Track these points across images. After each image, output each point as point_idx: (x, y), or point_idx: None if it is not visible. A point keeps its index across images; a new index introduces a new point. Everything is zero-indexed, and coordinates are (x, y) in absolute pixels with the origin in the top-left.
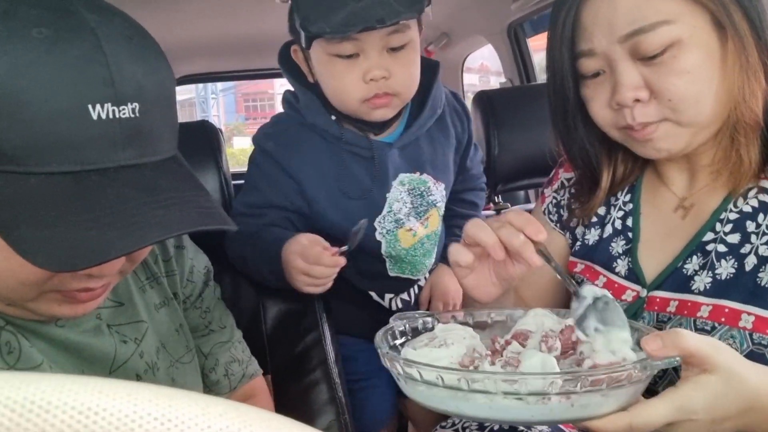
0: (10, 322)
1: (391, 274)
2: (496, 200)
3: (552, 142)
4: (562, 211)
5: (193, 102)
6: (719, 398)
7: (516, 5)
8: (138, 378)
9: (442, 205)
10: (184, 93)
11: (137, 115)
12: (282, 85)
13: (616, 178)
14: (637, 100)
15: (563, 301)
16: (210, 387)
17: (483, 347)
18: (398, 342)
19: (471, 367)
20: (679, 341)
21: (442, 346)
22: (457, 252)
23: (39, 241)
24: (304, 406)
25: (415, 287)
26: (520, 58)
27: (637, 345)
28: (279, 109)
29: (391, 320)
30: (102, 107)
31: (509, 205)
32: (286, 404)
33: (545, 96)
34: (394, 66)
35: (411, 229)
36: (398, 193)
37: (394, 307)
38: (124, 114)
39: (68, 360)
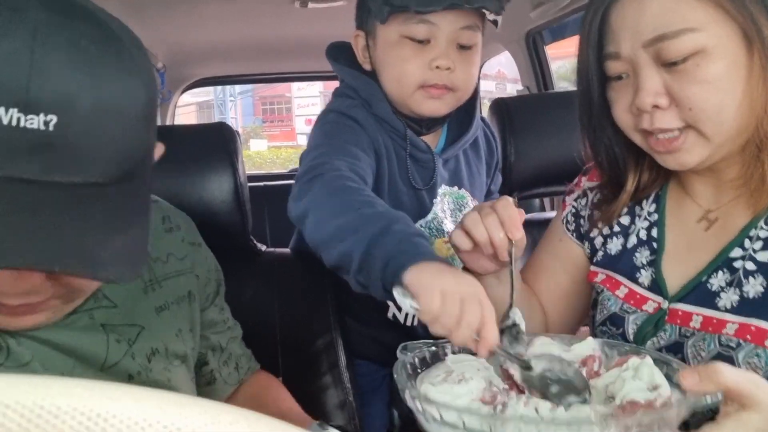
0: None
1: None
2: None
3: (580, 145)
4: (581, 221)
5: (212, 104)
6: None
7: (535, 13)
8: (130, 378)
9: None
10: (202, 95)
11: (50, 128)
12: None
13: (641, 183)
14: (657, 106)
15: (578, 308)
16: (224, 379)
17: (498, 379)
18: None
19: (499, 406)
20: (718, 377)
21: (461, 381)
22: (457, 238)
23: None
24: (314, 409)
25: None
26: (538, 66)
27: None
28: (296, 112)
29: (398, 353)
30: (6, 112)
31: (524, 213)
32: None
33: (563, 104)
34: (459, 62)
35: (448, 241)
36: (442, 203)
37: (409, 323)
38: (31, 124)
39: (58, 358)
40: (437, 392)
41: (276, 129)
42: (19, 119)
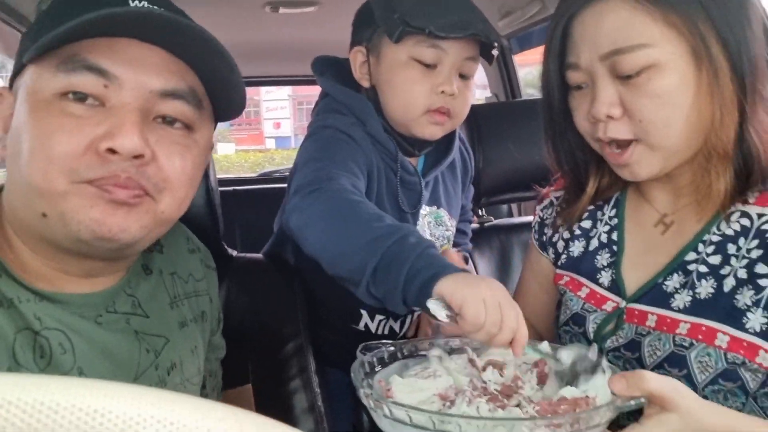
0: (60, 320)
1: None
2: (480, 213)
3: (544, 152)
4: (545, 229)
5: None
6: None
7: (503, 22)
8: None
9: (452, 241)
10: None
11: None
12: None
13: (601, 186)
14: (610, 117)
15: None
16: (206, 396)
17: (463, 380)
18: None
19: (447, 403)
20: (642, 383)
21: (429, 378)
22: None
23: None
24: (283, 414)
25: (408, 319)
26: (506, 74)
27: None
28: (264, 115)
29: (358, 353)
30: None
31: (492, 218)
32: (265, 412)
33: (530, 112)
34: (460, 89)
35: None
36: (423, 223)
37: (380, 332)
38: None
39: (102, 364)
40: (401, 384)
41: (244, 132)
42: None
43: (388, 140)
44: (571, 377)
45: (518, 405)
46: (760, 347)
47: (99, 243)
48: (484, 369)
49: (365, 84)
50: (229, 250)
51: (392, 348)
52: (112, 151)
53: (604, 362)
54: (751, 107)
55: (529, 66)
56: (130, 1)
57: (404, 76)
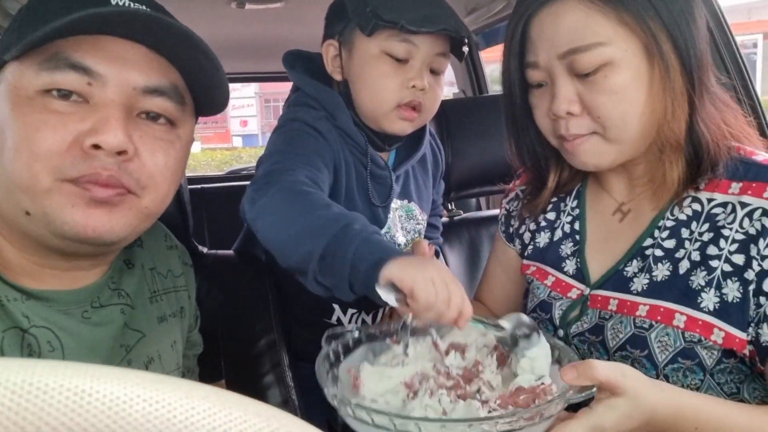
0: (47, 318)
1: None
2: (450, 207)
3: (507, 148)
4: (512, 221)
5: None
6: (625, 417)
7: (469, 19)
8: None
9: (423, 234)
10: None
11: None
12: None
13: (561, 179)
14: (570, 113)
15: (518, 306)
16: None
17: (431, 367)
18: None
19: (411, 393)
20: (592, 372)
21: (397, 366)
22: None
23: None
24: None
25: (380, 311)
26: (473, 70)
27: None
28: (231, 113)
29: (323, 342)
30: None
31: (462, 212)
32: None
33: (497, 107)
34: (431, 84)
35: None
36: (394, 217)
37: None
38: None
39: (90, 361)
40: (371, 372)
41: (210, 131)
42: None
43: (357, 133)
44: (512, 343)
45: (478, 391)
46: (714, 325)
47: (83, 242)
48: (447, 352)
49: (337, 77)
50: (200, 248)
51: (357, 333)
52: (96, 147)
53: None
54: (700, 100)
55: (495, 63)
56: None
57: (376, 69)
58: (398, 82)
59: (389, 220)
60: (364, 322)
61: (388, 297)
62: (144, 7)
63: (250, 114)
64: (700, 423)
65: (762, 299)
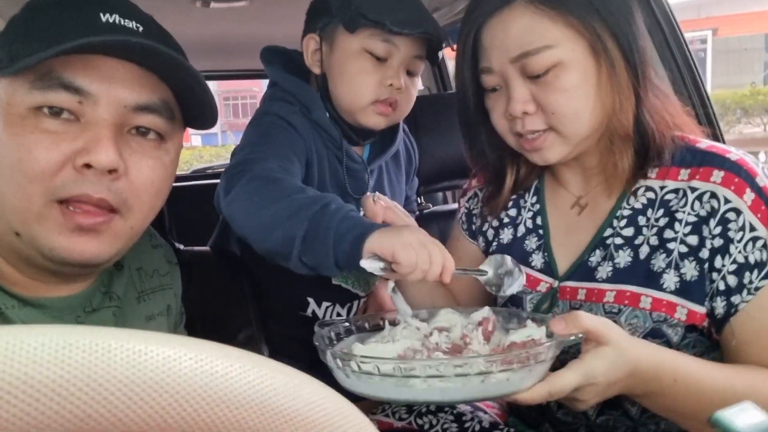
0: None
1: (334, 281)
2: (419, 201)
3: (464, 149)
4: (474, 219)
5: None
6: (613, 365)
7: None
8: None
9: None
10: None
11: None
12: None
13: (519, 177)
14: (526, 113)
15: (485, 298)
16: None
17: (419, 344)
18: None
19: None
20: (579, 321)
21: (388, 343)
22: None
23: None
24: None
25: (355, 305)
26: (437, 68)
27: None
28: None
29: (316, 328)
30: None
31: (431, 205)
32: None
33: (455, 104)
34: (407, 85)
35: None
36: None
37: (327, 317)
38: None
39: None
40: (363, 349)
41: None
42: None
43: (332, 127)
44: (497, 283)
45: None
46: (677, 304)
47: (71, 265)
48: (430, 334)
49: (316, 71)
50: (176, 245)
51: (347, 323)
52: (87, 166)
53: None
54: (644, 93)
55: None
56: (101, 15)
57: (356, 66)
58: (376, 80)
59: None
60: (338, 315)
61: (373, 267)
62: (136, 25)
63: None
64: (679, 375)
65: (714, 275)
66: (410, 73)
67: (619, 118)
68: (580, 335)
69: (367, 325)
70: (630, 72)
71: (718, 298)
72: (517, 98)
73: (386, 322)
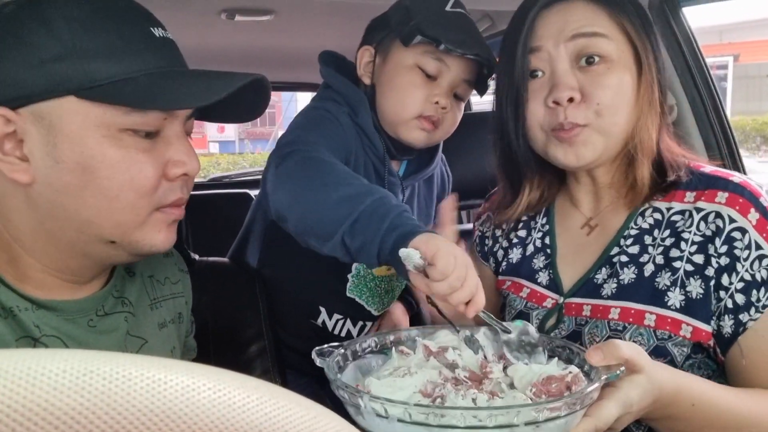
0: (56, 327)
1: (349, 294)
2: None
3: (492, 158)
4: (486, 240)
5: None
6: (646, 393)
7: None
8: None
9: None
10: None
11: None
12: None
13: (532, 198)
14: (572, 99)
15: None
16: None
17: (436, 375)
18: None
19: (438, 399)
20: (617, 351)
21: (405, 375)
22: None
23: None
24: None
25: (367, 326)
26: None
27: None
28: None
29: (314, 356)
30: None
31: None
32: None
33: (479, 125)
34: (452, 106)
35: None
36: None
37: (337, 332)
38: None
39: None
40: (380, 385)
41: None
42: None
43: (376, 136)
44: (518, 348)
45: (498, 390)
46: (682, 321)
47: (154, 254)
48: (441, 352)
49: (366, 81)
50: (192, 254)
51: (342, 350)
52: (185, 174)
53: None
54: (663, 116)
55: None
56: (153, 30)
57: (406, 79)
58: (424, 96)
59: None
60: (348, 332)
61: (414, 256)
62: (171, 36)
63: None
64: (696, 400)
65: (721, 293)
66: (457, 97)
67: (650, 132)
68: (622, 368)
69: (360, 350)
70: (659, 95)
71: (726, 317)
72: (565, 83)
73: (392, 349)
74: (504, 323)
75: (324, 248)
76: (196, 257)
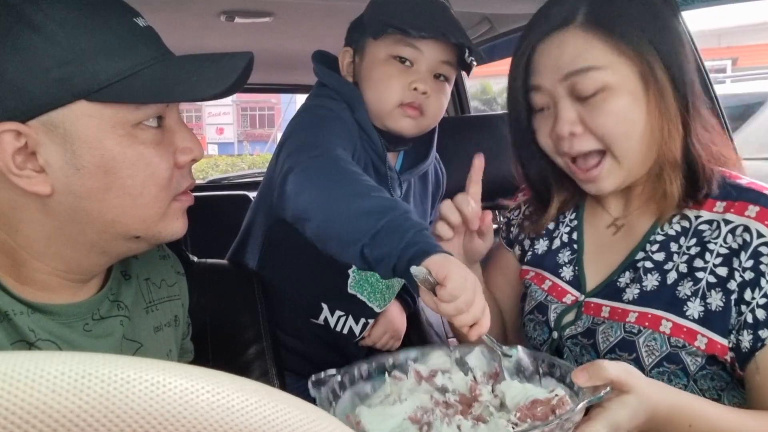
0: (52, 332)
1: (350, 291)
2: None
3: (513, 169)
4: (512, 228)
5: None
6: (635, 413)
7: None
8: None
9: None
10: None
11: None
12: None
13: (562, 201)
14: (573, 134)
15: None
16: None
17: (427, 399)
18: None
19: (425, 426)
20: (603, 372)
21: (395, 403)
22: (441, 228)
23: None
24: None
25: (370, 323)
26: (456, 90)
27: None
28: (207, 120)
29: (310, 387)
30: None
31: None
32: None
33: (485, 127)
34: (434, 90)
35: None
36: None
37: (338, 329)
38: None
39: None
40: (371, 414)
41: None
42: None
43: (372, 130)
44: (517, 372)
45: (486, 414)
46: (698, 332)
47: (168, 241)
48: (431, 377)
49: (349, 80)
50: (191, 256)
51: (339, 377)
52: (193, 160)
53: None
54: (693, 122)
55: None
56: (136, 20)
57: (382, 71)
58: (402, 83)
59: None
60: (350, 328)
61: (420, 273)
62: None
63: (226, 122)
64: (694, 421)
65: (743, 308)
66: (439, 77)
67: (669, 145)
68: (608, 389)
69: (359, 374)
70: (679, 101)
71: (745, 331)
72: (564, 118)
73: (386, 374)
74: (504, 347)
75: (343, 255)
76: (195, 259)
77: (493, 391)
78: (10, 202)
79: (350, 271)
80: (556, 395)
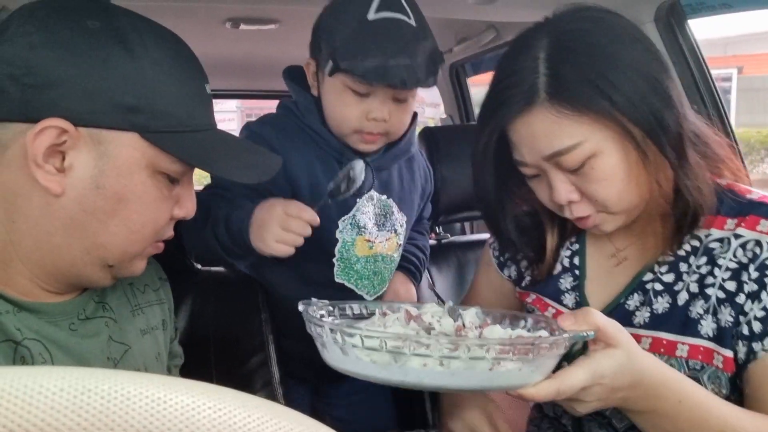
0: (38, 331)
1: (337, 279)
2: (438, 230)
3: (489, 230)
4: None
5: None
6: (621, 368)
7: (459, 47)
8: None
9: (402, 235)
10: None
11: None
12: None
13: (559, 238)
14: (571, 201)
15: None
16: None
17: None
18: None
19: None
20: (590, 318)
21: (380, 328)
22: None
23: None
24: None
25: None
26: (460, 96)
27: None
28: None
29: (300, 307)
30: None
31: (449, 235)
32: None
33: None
34: (394, 113)
35: (369, 241)
36: (366, 206)
37: None
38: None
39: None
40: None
41: None
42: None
43: (324, 131)
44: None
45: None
46: (713, 350)
47: (123, 277)
48: (419, 317)
49: (314, 92)
50: (196, 264)
51: (330, 306)
52: (183, 218)
53: None
54: (681, 167)
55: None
56: (206, 88)
57: (339, 99)
58: (359, 113)
59: (358, 204)
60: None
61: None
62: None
63: (230, 128)
64: (684, 398)
65: (741, 318)
66: (399, 100)
67: (656, 198)
68: (592, 332)
69: (350, 312)
70: (659, 150)
71: (740, 342)
72: (560, 190)
73: (375, 313)
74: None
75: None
76: (199, 267)
77: (480, 336)
78: (17, 187)
79: (334, 260)
80: (540, 336)
